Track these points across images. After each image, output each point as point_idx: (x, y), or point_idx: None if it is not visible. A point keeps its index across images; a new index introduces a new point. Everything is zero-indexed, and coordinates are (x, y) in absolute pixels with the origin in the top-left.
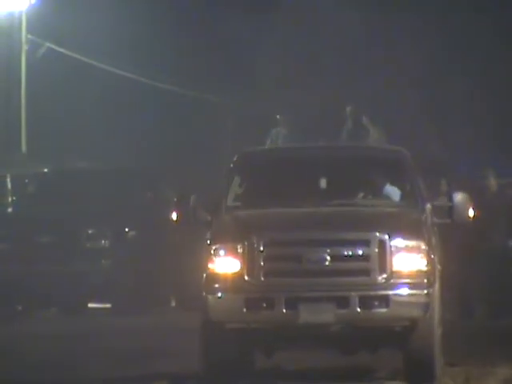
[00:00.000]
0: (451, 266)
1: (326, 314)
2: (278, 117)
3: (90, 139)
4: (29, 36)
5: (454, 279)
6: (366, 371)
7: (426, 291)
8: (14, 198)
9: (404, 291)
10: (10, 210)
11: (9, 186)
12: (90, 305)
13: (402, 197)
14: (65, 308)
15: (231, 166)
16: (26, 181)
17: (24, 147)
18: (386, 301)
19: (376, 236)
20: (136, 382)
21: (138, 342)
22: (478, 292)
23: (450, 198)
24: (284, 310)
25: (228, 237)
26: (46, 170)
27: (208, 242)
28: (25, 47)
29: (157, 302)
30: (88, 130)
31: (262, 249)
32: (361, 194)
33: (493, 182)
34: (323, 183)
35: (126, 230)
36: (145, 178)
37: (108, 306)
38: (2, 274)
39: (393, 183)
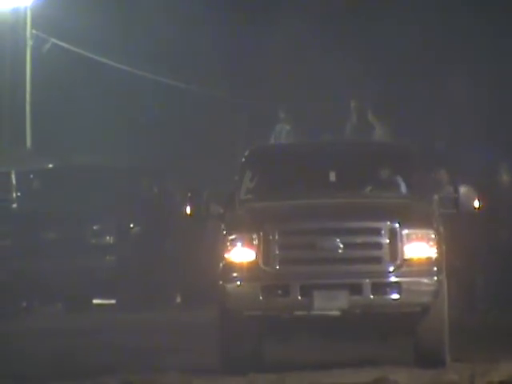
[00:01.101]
0: (457, 262)
1: (340, 301)
2: (281, 114)
3: (95, 135)
4: (34, 31)
5: (459, 275)
6: (376, 359)
7: (435, 278)
8: (19, 194)
9: (415, 278)
10: (14, 205)
11: (13, 181)
12: (94, 301)
13: (410, 188)
14: (69, 304)
15: (243, 160)
16: (31, 176)
17: (29, 143)
18: (397, 287)
19: (387, 225)
20: (142, 377)
21: (143, 337)
22: (483, 288)
23: (456, 190)
24: (299, 297)
25: (244, 227)
26: (50, 166)
27: (224, 232)
28: (30, 42)
29: (162, 298)
30: (93, 126)
31: (276, 238)
32: (369, 187)
33: (505, 178)
34: (333, 176)
35: (131, 225)
36: (150, 173)
37: (113, 302)
38: (7, 269)
39: (400, 176)
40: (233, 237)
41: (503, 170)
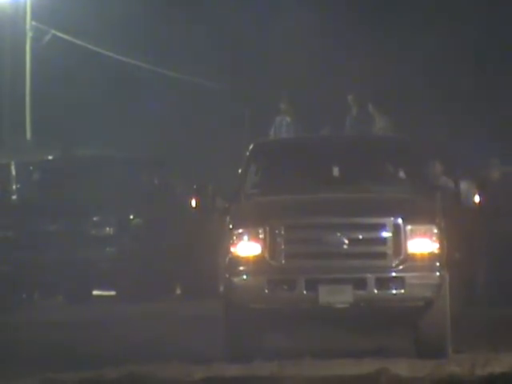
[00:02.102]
0: (457, 254)
1: (345, 295)
2: (282, 105)
3: (96, 126)
4: (33, 23)
5: (459, 267)
6: (378, 350)
7: (438, 273)
8: (19, 186)
9: (418, 273)
10: (14, 197)
11: (13, 173)
12: (94, 292)
13: (413, 183)
14: (70, 295)
15: (248, 155)
16: (31, 168)
17: (29, 134)
18: (401, 282)
19: (391, 220)
20: (143, 368)
21: (143, 329)
22: (483, 280)
23: (457, 184)
24: (304, 291)
25: (250, 222)
26: (50, 158)
27: (230, 227)
28: (29, 34)
29: (162, 289)
30: (93, 118)
31: (282, 233)
32: (373, 181)
33: (495, 173)
34: (337, 171)
35: (131, 217)
36: (151, 165)
37: (113, 293)
38: (7, 261)
39: (403, 170)
40: (239, 231)
41: (494, 164)
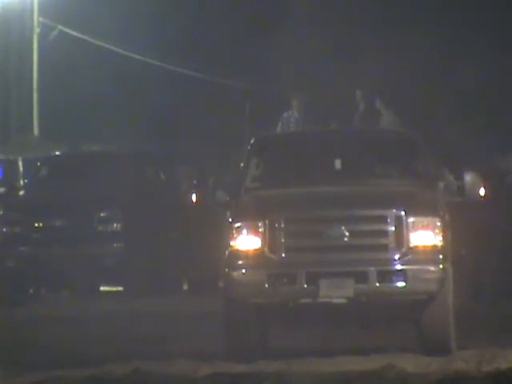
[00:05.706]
0: (463, 250)
1: (346, 289)
2: (294, 102)
3: (102, 122)
4: (40, 19)
5: (465, 263)
6: (383, 346)
7: (441, 266)
8: (26, 181)
9: (421, 266)
10: (21, 192)
11: (21, 168)
12: (101, 288)
13: (415, 176)
14: (77, 291)
15: (249, 148)
16: (38, 164)
17: (36, 130)
18: (403, 275)
19: (393, 213)
20: (149, 364)
21: (150, 325)
22: (489, 275)
23: (461, 177)
24: (305, 285)
25: (250, 215)
26: (57, 153)
27: (230, 220)
28: (37, 30)
29: (168, 285)
30: (100, 113)
31: (282, 226)
32: (375, 174)
33: (503, 166)
34: (339, 164)
35: (139, 212)
36: (157, 161)
37: (120, 289)
38: (14, 256)
39: (406, 163)
40: (239, 224)
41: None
